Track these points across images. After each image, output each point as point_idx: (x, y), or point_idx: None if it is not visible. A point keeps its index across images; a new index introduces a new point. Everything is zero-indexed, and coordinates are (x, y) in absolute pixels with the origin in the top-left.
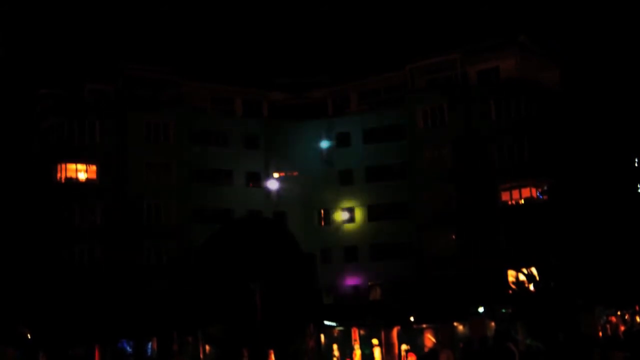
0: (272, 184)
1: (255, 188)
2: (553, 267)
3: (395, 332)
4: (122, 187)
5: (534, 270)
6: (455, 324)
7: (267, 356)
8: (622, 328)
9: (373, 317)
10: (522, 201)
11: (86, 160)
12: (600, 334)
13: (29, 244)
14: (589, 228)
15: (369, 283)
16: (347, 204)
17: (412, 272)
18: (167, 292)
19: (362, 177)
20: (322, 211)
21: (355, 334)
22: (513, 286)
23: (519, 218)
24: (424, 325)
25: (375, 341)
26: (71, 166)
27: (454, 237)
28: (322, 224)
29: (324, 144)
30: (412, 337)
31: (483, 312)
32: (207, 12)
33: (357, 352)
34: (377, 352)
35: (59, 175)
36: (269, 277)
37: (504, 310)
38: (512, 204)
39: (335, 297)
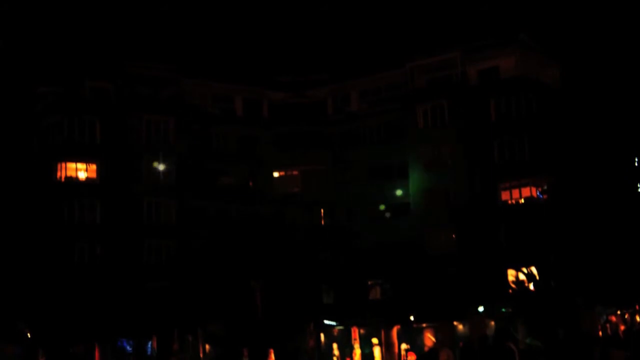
0: None
1: (255, 187)
2: (553, 266)
3: (395, 331)
4: (122, 185)
5: (533, 269)
6: (455, 323)
7: (267, 355)
8: (622, 327)
9: (373, 317)
10: (522, 200)
11: (86, 159)
12: (600, 333)
13: (30, 242)
14: (589, 227)
15: (369, 282)
16: None
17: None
18: (167, 290)
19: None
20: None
21: (355, 333)
22: (513, 285)
23: (519, 217)
24: (424, 325)
25: (375, 340)
26: (71, 165)
27: (454, 236)
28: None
29: None
30: (412, 336)
31: (483, 312)
32: (207, 11)
33: (357, 352)
34: (377, 352)
35: (59, 174)
36: (269, 277)
37: (503, 310)
38: (512, 203)
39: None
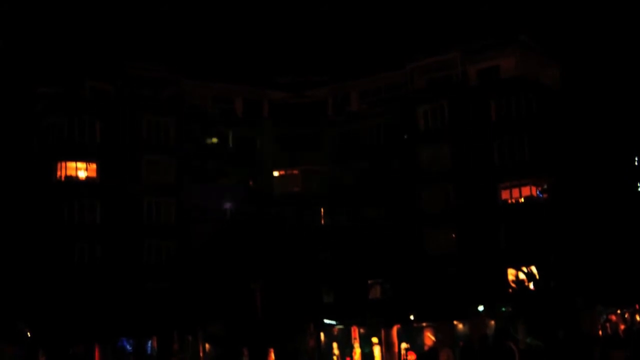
0: None
1: (255, 186)
2: (553, 265)
3: (395, 330)
4: (122, 185)
5: (534, 269)
6: (455, 322)
7: (267, 355)
8: (622, 327)
9: (373, 316)
10: (522, 200)
11: (86, 159)
12: (601, 332)
13: (29, 242)
14: (589, 227)
15: (369, 282)
16: None
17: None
18: (167, 291)
19: None
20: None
21: (355, 332)
22: (513, 285)
23: (519, 217)
24: (424, 324)
25: (375, 340)
26: (71, 164)
27: (454, 235)
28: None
29: None
30: (412, 335)
31: (483, 311)
32: (207, 12)
33: (357, 351)
34: (377, 351)
35: (59, 173)
36: (269, 277)
37: (504, 309)
38: (512, 202)
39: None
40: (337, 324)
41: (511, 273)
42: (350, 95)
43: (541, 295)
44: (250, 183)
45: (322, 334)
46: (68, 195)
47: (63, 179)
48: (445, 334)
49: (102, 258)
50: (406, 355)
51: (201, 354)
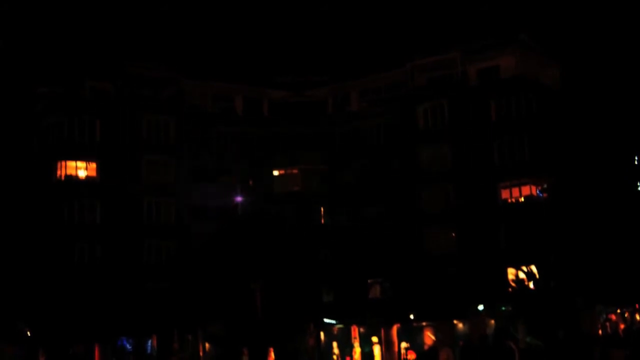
0: None
1: (255, 185)
2: (553, 265)
3: (395, 330)
4: (122, 185)
5: (533, 268)
6: (455, 322)
7: (267, 354)
8: (622, 326)
9: (373, 315)
10: (522, 199)
11: (86, 158)
12: (600, 332)
13: (29, 241)
14: (589, 226)
15: (369, 281)
16: None
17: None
18: (167, 290)
19: None
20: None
21: (355, 331)
22: (513, 284)
23: (519, 216)
24: (424, 323)
25: (375, 339)
26: (71, 164)
27: (454, 235)
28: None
29: None
30: (412, 335)
31: (483, 310)
32: (207, 11)
33: (357, 350)
34: (376, 350)
35: (59, 173)
36: (269, 276)
37: (503, 309)
38: (512, 202)
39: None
40: (337, 323)
41: (511, 272)
42: (350, 94)
43: (541, 294)
44: (250, 182)
45: (322, 334)
46: (68, 195)
47: (63, 178)
48: (445, 333)
49: (102, 258)
50: (406, 355)
51: (201, 354)
